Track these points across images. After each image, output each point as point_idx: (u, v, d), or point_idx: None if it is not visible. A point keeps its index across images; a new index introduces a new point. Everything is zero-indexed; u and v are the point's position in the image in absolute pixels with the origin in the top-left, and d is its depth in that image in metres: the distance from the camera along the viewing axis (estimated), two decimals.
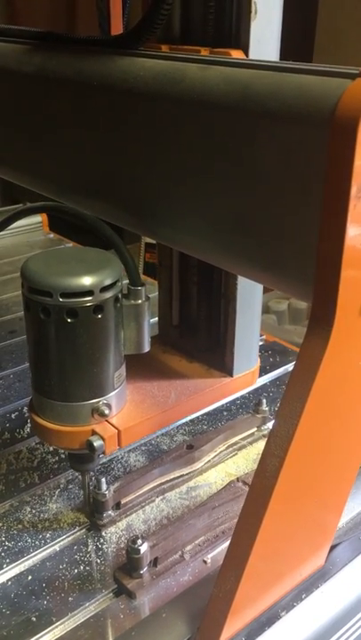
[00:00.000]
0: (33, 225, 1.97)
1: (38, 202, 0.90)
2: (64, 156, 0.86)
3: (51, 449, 1.04)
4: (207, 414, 1.13)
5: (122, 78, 0.72)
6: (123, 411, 0.82)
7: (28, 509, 0.93)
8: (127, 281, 0.79)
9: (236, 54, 0.69)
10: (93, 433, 0.78)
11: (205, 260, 0.76)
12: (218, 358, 0.94)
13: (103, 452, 0.78)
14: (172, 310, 1.00)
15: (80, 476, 0.92)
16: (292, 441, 0.60)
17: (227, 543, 0.84)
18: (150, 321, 0.81)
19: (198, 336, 0.97)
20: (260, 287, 0.89)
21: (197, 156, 0.65)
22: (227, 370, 0.92)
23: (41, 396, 0.79)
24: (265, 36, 0.70)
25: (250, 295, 0.88)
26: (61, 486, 0.97)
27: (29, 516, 0.92)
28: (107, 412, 0.78)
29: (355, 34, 2.45)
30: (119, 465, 1.01)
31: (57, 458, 1.02)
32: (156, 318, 1.01)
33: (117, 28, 0.88)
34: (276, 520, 0.63)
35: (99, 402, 0.78)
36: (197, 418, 1.12)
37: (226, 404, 1.16)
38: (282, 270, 0.62)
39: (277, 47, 0.72)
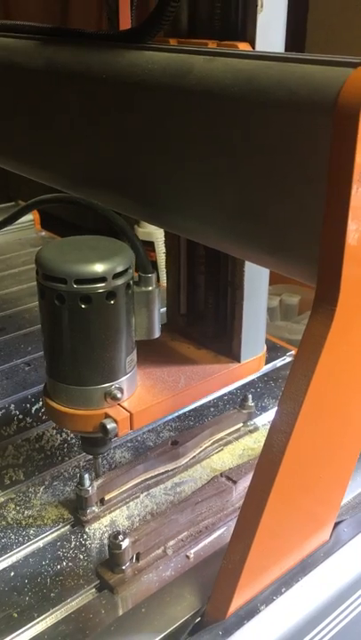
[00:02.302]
0: (25, 223, 1.99)
1: (35, 197, 0.92)
2: (74, 148, 0.89)
3: (36, 446, 1.05)
4: (194, 410, 1.14)
5: (131, 71, 0.75)
6: (134, 395, 0.84)
7: (13, 506, 0.94)
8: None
9: (244, 47, 0.72)
10: (106, 416, 0.81)
11: (214, 247, 0.79)
12: (225, 345, 0.96)
13: (116, 435, 0.81)
14: (180, 299, 1.03)
15: (65, 473, 0.96)
16: (297, 417, 0.62)
17: (210, 538, 0.86)
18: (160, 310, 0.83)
19: (205, 324, 1.00)
20: (266, 275, 0.91)
21: (205, 145, 0.68)
22: (234, 356, 0.95)
23: (55, 381, 0.81)
24: (271, 28, 0.73)
25: (257, 283, 0.90)
26: (46, 483, 0.98)
27: (13, 512, 0.93)
28: (119, 395, 0.81)
29: (346, 30, 2.47)
30: (104, 462, 1.02)
31: (42, 455, 1.04)
32: (165, 308, 1.03)
33: (126, 22, 0.90)
34: (283, 494, 0.66)
35: (111, 386, 0.80)
36: (184, 414, 1.13)
37: (212, 399, 1.17)
38: (288, 253, 0.65)
39: (283, 39, 0.75)
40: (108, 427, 0.80)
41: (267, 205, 0.64)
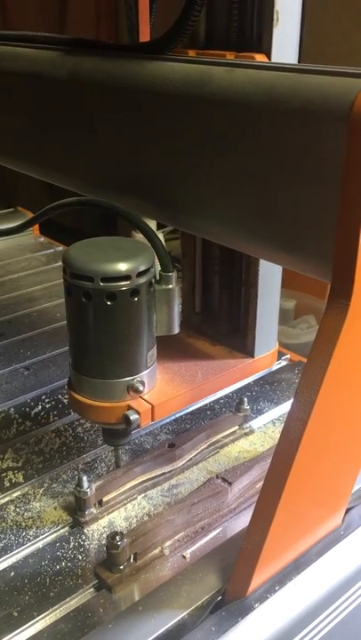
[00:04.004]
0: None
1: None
2: (96, 154, 0.93)
3: (35, 449, 1.08)
4: (190, 414, 1.17)
5: (152, 82, 0.79)
6: (155, 388, 0.89)
7: (12, 508, 0.96)
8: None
9: (260, 58, 0.76)
10: (129, 408, 0.85)
11: (231, 247, 0.83)
12: (239, 341, 1.00)
13: (138, 426, 0.85)
14: (195, 298, 1.07)
15: (64, 475, 0.99)
16: (313, 406, 0.66)
17: (206, 538, 0.89)
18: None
19: (220, 322, 1.04)
20: (279, 273, 0.95)
21: (225, 151, 0.72)
22: (248, 352, 0.99)
23: (80, 375, 0.86)
24: (286, 40, 0.77)
25: (270, 281, 0.94)
26: (45, 485, 1.00)
27: (13, 514, 0.95)
28: (141, 388, 0.85)
29: (341, 40, 2.51)
30: (102, 464, 1.04)
31: (41, 458, 1.06)
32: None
33: (145, 35, 0.94)
34: (299, 479, 0.70)
35: (133, 379, 0.85)
36: (181, 417, 1.15)
37: (209, 403, 1.20)
38: (303, 252, 0.69)
39: (297, 50, 0.79)
40: (131, 418, 0.84)
41: (284, 207, 0.68)
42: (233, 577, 0.76)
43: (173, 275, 0.84)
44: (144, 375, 0.86)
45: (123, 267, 0.78)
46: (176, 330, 0.87)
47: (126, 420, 0.84)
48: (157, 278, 0.84)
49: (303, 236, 0.67)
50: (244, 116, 0.69)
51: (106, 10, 3.37)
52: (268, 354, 1.00)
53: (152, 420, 0.86)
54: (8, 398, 1.23)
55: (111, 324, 0.80)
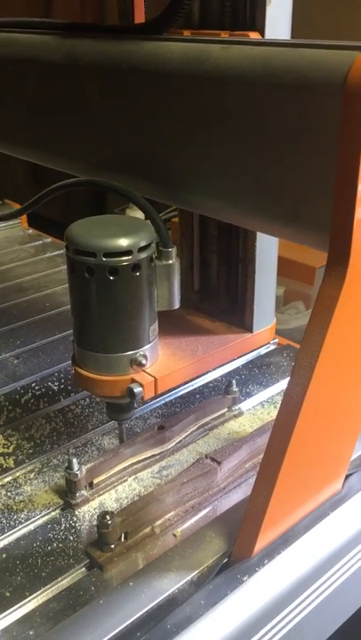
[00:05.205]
0: (12, 221, 2.03)
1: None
2: (94, 136, 0.95)
3: (26, 435, 1.09)
4: (180, 397, 1.17)
5: (150, 61, 0.81)
6: (157, 362, 0.91)
7: (4, 492, 0.97)
8: None
9: (254, 36, 0.78)
10: (133, 381, 0.87)
11: (230, 221, 0.85)
12: (238, 317, 1.03)
13: (142, 398, 0.87)
14: (193, 277, 1.09)
15: (55, 460, 1.00)
16: (314, 370, 0.69)
17: (196, 517, 0.90)
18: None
19: (218, 299, 1.06)
20: (275, 250, 0.98)
21: (223, 126, 0.74)
22: (247, 327, 1.01)
23: (84, 350, 0.88)
24: (278, 19, 0.79)
25: (267, 257, 0.97)
26: (36, 470, 1.01)
27: (4, 498, 0.96)
28: (144, 362, 0.87)
29: (330, 28, 2.52)
30: (93, 448, 1.05)
31: (32, 443, 1.07)
32: None
33: (140, 16, 0.96)
34: (301, 443, 0.73)
35: (136, 353, 0.87)
36: (170, 401, 1.16)
37: (198, 387, 1.21)
38: (301, 223, 0.71)
39: (289, 29, 0.81)
40: (135, 390, 0.86)
41: (281, 179, 0.70)
42: (239, 538, 0.79)
43: (173, 250, 0.86)
44: (146, 349, 0.88)
45: (124, 242, 0.80)
46: (177, 305, 0.89)
47: (130, 392, 0.87)
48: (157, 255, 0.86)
49: (300, 207, 0.70)
50: (241, 91, 0.71)
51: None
52: (266, 328, 1.02)
53: (155, 392, 0.88)
54: None
55: (114, 299, 0.82)
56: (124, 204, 3.18)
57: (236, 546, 0.79)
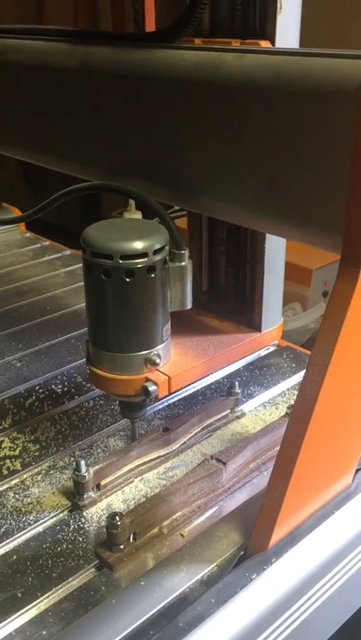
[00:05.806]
0: (10, 225, 2.04)
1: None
2: (107, 142, 0.97)
3: (32, 437, 1.10)
4: (183, 399, 1.19)
5: (164, 69, 0.83)
6: (170, 361, 0.93)
7: (12, 495, 0.98)
8: None
9: (265, 44, 0.81)
10: (147, 380, 0.89)
11: (242, 225, 0.88)
12: (246, 317, 1.05)
13: (156, 397, 0.90)
14: (202, 277, 1.12)
15: (61, 462, 1.01)
16: (327, 369, 0.71)
17: (203, 517, 0.92)
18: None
19: (227, 299, 1.09)
20: (283, 250, 1.00)
21: (237, 133, 0.77)
22: (255, 326, 1.04)
23: (99, 350, 0.90)
24: (289, 27, 0.82)
25: (275, 258, 0.99)
26: (43, 472, 1.02)
27: (13, 500, 0.96)
28: (158, 361, 0.89)
29: (332, 30, 2.55)
30: (98, 450, 1.06)
31: (38, 446, 1.08)
32: None
33: (151, 25, 0.99)
34: (315, 438, 0.75)
35: (150, 352, 0.89)
36: (174, 403, 1.18)
37: (201, 388, 1.22)
38: (313, 225, 0.73)
39: (298, 36, 0.84)
40: (150, 389, 0.88)
41: (295, 184, 0.73)
42: (255, 531, 0.81)
43: (186, 252, 0.88)
44: (160, 348, 0.90)
45: (140, 245, 0.82)
46: (189, 305, 0.92)
47: (145, 391, 0.89)
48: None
49: (312, 209, 0.72)
50: (255, 98, 0.73)
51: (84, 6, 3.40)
52: (274, 328, 1.05)
53: (168, 390, 0.91)
54: (2, 390, 1.24)
55: (129, 300, 0.85)
56: (121, 207, 3.20)
57: (253, 539, 0.81)
